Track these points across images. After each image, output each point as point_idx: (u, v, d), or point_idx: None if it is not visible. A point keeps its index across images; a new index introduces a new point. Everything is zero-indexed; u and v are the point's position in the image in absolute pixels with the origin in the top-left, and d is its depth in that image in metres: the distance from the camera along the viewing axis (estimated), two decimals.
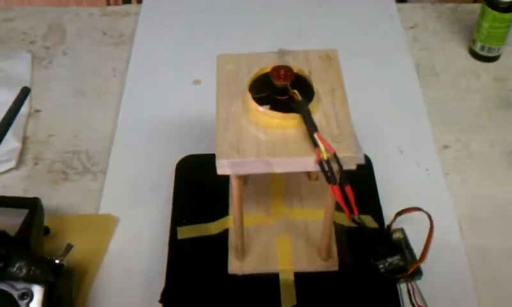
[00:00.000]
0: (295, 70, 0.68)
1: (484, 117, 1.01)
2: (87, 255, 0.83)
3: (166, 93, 1.05)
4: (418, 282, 0.76)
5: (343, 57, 0.73)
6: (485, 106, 1.03)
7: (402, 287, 0.76)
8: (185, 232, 0.80)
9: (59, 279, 0.72)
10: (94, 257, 0.84)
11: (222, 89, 0.70)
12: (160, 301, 0.75)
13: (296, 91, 0.67)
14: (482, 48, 1.08)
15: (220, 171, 0.63)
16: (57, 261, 0.73)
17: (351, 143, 0.64)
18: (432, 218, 0.74)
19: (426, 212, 0.75)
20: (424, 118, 1.00)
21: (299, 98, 0.67)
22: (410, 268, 0.74)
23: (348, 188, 0.64)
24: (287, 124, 0.65)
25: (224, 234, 0.79)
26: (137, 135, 0.98)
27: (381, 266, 0.74)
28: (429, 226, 0.73)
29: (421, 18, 1.20)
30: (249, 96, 0.67)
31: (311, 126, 0.64)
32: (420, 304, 0.74)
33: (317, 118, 0.65)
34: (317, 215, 0.77)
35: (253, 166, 0.64)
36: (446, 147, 0.96)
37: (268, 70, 0.69)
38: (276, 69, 0.67)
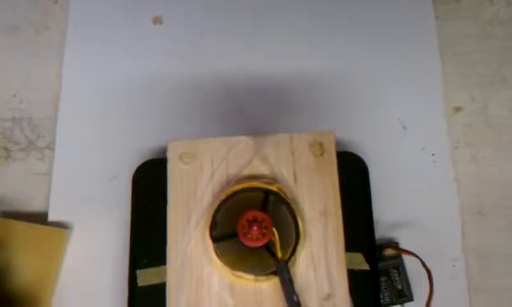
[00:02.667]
0: (273, 188, 0.54)
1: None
2: (38, 276, 0.73)
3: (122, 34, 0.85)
4: None
5: None
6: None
7: None
8: (146, 277, 0.70)
9: None
10: (47, 278, 0.74)
11: (175, 207, 0.56)
12: None
13: (275, 231, 0.53)
14: None
15: None
16: None
17: None
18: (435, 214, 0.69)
19: (427, 268, 0.67)
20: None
21: (278, 243, 0.53)
22: None
23: None
24: (260, 283, 0.53)
25: None
26: (90, 94, 0.81)
27: None
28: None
29: None
30: (209, 242, 0.53)
31: (291, 304, 0.52)
32: None
33: (302, 265, 0.53)
34: None
35: None
36: (458, 110, 0.81)
37: (238, 187, 0.54)
38: (247, 223, 0.52)
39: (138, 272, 0.70)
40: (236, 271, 0.53)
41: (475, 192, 0.77)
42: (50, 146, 0.79)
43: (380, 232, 0.73)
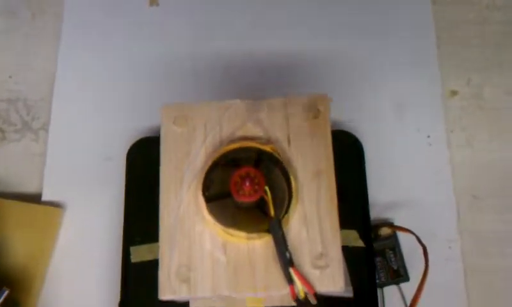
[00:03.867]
0: (267, 149, 0.53)
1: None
2: (32, 254, 0.73)
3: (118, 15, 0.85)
4: None
5: None
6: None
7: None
8: (139, 253, 0.69)
9: None
10: (40, 256, 0.73)
11: (168, 170, 0.56)
12: None
13: (267, 189, 0.52)
14: None
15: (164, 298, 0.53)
16: None
17: (338, 272, 0.52)
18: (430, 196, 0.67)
19: (422, 244, 0.66)
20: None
21: (270, 201, 0.52)
22: None
23: None
24: (253, 244, 0.53)
25: None
26: (84, 77, 0.81)
27: None
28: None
29: None
30: (202, 201, 0.52)
31: (284, 260, 0.51)
32: None
33: (294, 224, 0.52)
34: None
35: (209, 299, 0.53)
36: (454, 93, 0.81)
37: (231, 147, 0.53)
38: (239, 180, 0.52)
39: (131, 248, 0.69)
40: (228, 229, 0.53)
41: (470, 175, 0.77)
42: (45, 127, 0.79)
43: (375, 213, 0.73)
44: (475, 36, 0.83)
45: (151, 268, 0.65)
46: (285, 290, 0.51)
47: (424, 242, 0.67)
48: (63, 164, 0.77)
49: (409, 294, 0.67)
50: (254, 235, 0.52)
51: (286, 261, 0.51)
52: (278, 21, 0.83)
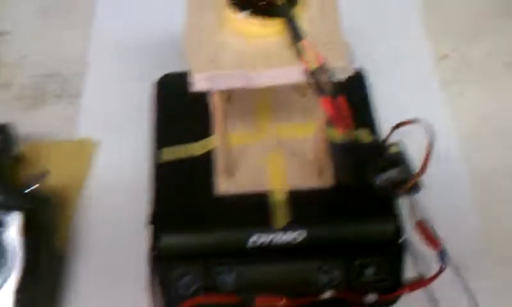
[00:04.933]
0: None
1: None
2: (67, 183, 0.78)
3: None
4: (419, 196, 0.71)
5: None
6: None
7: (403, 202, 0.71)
8: (167, 153, 0.75)
9: (35, 206, 0.67)
10: (74, 184, 0.79)
11: None
12: (149, 224, 0.70)
13: None
14: None
15: (197, 86, 0.58)
16: (32, 188, 0.69)
17: (342, 51, 0.58)
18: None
19: (426, 123, 0.69)
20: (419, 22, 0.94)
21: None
22: (409, 181, 0.69)
23: (341, 100, 0.58)
24: (268, 32, 0.59)
25: (210, 154, 0.73)
26: (113, 55, 0.92)
27: (378, 180, 0.68)
28: (428, 139, 0.68)
29: None
30: (224, 1, 0.61)
31: (295, 32, 0.58)
32: (421, 217, 0.69)
33: (302, 24, 0.59)
34: (309, 131, 0.72)
35: (233, 79, 0.58)
36: (445, 56, 0.91)
37: None
38: None
39: (161, 150, 0.75)
40: (247, 19, 0.60)
41: (467, 116, 0.85)
42: (79, 94, 0.88)
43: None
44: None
45: (180, 167, 0.73)
46: (296, 65, 0.57)
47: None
48: (96, 108, 0.86)
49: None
50: (268, 21, 0.59)
51: (297, 33, 0.58)
52: None
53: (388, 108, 0.80)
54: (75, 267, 0.73)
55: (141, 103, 0.84)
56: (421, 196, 0.70)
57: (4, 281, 0.63)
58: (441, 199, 0.75)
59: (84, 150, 0.82)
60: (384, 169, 0.67)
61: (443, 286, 0.68)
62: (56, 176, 0.76)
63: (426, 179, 0.68)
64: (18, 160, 0.77)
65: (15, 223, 0.64)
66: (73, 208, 0.77)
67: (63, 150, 0.82)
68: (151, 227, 0.69)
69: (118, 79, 0.89)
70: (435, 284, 0.68)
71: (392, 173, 0.68)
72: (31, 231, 0.65)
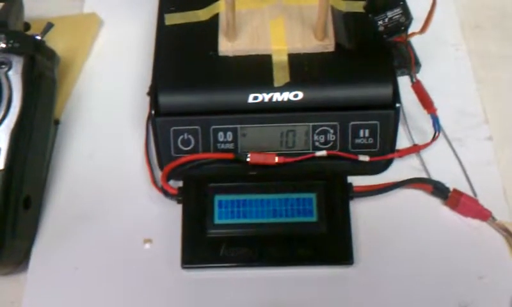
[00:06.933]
0: None
1: None
2: (70, 54, 0.79)
3: None
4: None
5: None
6: None
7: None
8: (173, 18, 0.75)
9: (39, 53, 0.69)
10: (77, 56, 0.81)
11: None
12: (149, 94, 0.72)
13: None
14: None
15: None
16: (37, 38, 0.70)
17: None
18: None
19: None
20: None
21: None
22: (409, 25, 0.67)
23: None
24: None
25: (214, 19, 0.74)
26: None
27: (380, 22, 0.66)
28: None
29: None
30: None
31: None
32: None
33: None
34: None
35: None
36: None
37: None
38: None
39: (166, 15, 0.75)
40: None
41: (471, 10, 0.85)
42: None
43: None
44: None
45: (182, 31, 0.74)
46: None
47: (431, 46, 0.77)
48: None
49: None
50: None
51: None
52: None
53: None
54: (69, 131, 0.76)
55: None
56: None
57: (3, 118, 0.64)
58: (440, 80, 0.76)
59: (88, 25, 0.83)
60: (385, 9, 0.66)
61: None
62: (60, 49, 0.76)
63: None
64: (24, 28, 0.78)
65: (16, 66, 0.65)
66: (74, 77, 0.79)
67: (68, 23, 0.82)
68: (152, 85, 0.70)
69: None
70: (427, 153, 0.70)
71: (394, 14, 0.66)
72: (33, 77, 0.67)
